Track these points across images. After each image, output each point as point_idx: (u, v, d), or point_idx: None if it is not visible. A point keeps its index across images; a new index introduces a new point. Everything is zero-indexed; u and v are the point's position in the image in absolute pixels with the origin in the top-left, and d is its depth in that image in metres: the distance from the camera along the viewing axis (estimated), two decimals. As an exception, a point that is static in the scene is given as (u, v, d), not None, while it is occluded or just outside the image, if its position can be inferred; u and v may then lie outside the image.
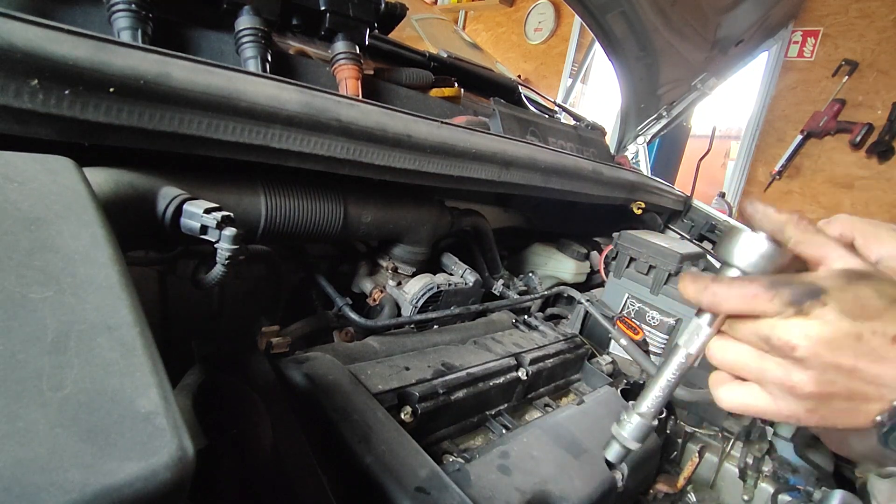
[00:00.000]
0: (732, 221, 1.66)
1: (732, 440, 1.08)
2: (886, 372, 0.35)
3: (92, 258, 0.31)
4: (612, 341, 1.14)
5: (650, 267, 1.16)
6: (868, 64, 2.96)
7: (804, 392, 0.36)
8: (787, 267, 0.39)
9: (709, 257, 1.53)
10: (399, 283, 0.97)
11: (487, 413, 0.80)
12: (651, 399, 0.45)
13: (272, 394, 0.59)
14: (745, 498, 1.02)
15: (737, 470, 1.04)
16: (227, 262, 0.55)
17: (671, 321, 1.12)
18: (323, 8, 0.89)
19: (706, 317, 0.41)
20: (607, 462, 0.58)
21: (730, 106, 3.98)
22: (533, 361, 0.88)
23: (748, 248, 0.40)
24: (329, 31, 0.92)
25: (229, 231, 0.53)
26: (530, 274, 1.30)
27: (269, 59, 0.81)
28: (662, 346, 1.13)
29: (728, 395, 0.41)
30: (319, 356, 0.70)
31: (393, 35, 1.20)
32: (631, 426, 0.45)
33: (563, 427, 0.79)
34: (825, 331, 0.34)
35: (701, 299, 0.39)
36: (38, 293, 0.27)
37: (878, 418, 0.36)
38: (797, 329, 0.35)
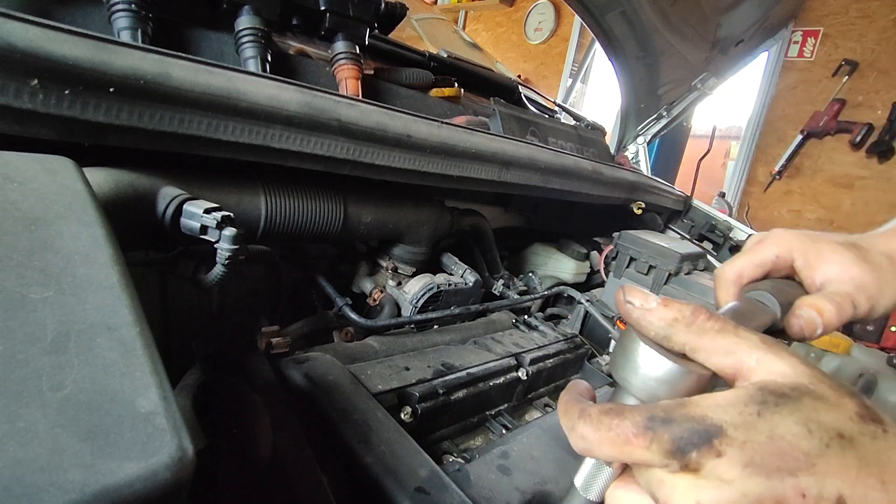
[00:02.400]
0: (733, 222, 1.66)
1: None
2: None
3: (92, 258, 0.31)
4: (612, 341, 1.14)
5: (650, 267, 1.16)
6: (868, 64, 2.96)
7: None
8: (706, 386, 0.29)
9: (709, 258, 1.53)
10: (399, 283, 0.97)
11: (487, 413, 0.80)
12: None
13: (272, 394, 0.59)
14: None
15: None
16: (226, 262, 0.55)
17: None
18: (323, 8, 0.89)
19: None
20: None
21: (730, 106, 3.99)
22: (533, 361, 0.88)
23: (639, 367, 0.29)
24: (329, 31, 0.92)
25: (229, 231, 0.53)
26: (530, 274, 1.30)
27: (269, 59, 0.81)
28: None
29: None
30: (319, 356, 0.70)
31: (393, 35, 1.21)
32: None
33: (563, 427, 0.79)
34: (722, 499, 0.23)
35: (571, 442, 0.29)
36: (38, 293, 0.27)
37: None
38: (683, 494, 0.25)
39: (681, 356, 0.29)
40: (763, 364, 0.27)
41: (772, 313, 0.39)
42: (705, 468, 0.24)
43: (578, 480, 0.32)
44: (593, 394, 0.32)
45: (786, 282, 0.44)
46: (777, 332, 0.40)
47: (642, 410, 0.26)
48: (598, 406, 0.28)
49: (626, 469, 0.31)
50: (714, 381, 0.29)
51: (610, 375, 1.04)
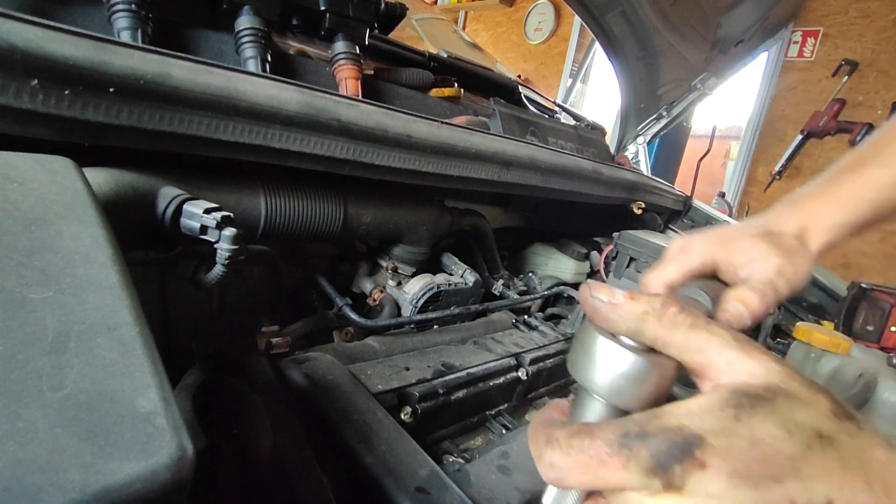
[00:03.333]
0: (733, 222, 1.66)
1: None
2: None
3: (92, 258, 0.31)
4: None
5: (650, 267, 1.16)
6: (868, 64, 2.96)
7: None
8: (672, 376, 0.28)
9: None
10: (399, 283, 0.97)
11: (487, 413, 0.80)
12: None
13: (272, 394, 0.59)
14: None
15: None
16: (226, 262, 0.55)
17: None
18: (323, 8, 0.89)
19: None
20: None
21: (730, 106, 3.99)
22: (533, 361, 0.88)
23: (600, 363, 0.27)
24: (329, 31, 0.92)
25: (229, 231, 0.53)
26: (530, 274, 1.30)
27: (269, 59, 0.81)
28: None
29: None
30: (319, 356, 0.70)
31: (393, 35, 1.21)
32: None
33: (563, 427, 0.79)
34: None
35: (541, 473, 0.26)
36: (38, 293, 0.27)
37: None
38: None
39: (644, 348, 0.28)
40: (734, 364, 0.26)
41: (705, 309, 0.40)
42: (689, 484, 0.22)
43: (547, 502, 0.30)
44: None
45: (712, 280, 0.46)
46: None
47: (614, 427, 0.24)
48: (566, 428, 0.26)
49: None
50: (680, 369, 0.28)
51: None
